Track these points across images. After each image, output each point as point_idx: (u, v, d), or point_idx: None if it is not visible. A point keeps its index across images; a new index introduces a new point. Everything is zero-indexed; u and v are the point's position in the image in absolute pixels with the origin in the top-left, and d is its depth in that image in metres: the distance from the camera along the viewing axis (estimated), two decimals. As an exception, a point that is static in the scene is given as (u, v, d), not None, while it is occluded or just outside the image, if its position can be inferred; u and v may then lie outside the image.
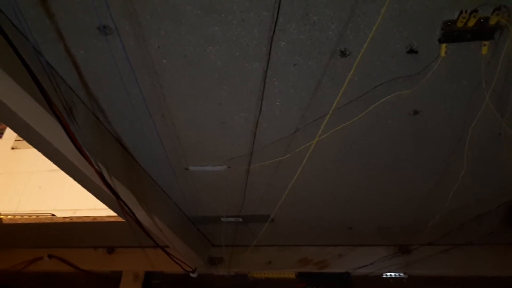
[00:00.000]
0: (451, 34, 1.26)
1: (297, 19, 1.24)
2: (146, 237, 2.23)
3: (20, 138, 3.79)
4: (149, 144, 1.93)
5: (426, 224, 2.38)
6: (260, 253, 3.32)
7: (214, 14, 1.23)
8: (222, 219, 2.77)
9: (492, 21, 1.20)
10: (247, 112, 1.67)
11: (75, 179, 2.14)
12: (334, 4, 1.18)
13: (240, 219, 2.74)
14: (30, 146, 1.81)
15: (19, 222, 3.31)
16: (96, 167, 1.58)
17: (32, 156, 4.05)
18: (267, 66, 1.38)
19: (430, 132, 1.76)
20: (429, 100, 1.58)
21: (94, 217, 3.14)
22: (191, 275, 3.24)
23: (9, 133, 4.40)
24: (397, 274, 3.06)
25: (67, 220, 3.24)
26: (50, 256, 3.74)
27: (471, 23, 1.21)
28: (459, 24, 1.22)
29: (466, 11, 1.18)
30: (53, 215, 3.40)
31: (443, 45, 1.30)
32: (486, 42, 1.28)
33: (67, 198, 3.61)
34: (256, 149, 1.88)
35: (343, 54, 1.36)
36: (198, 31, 1.30)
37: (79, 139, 1.44)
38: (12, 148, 4.26)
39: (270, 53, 1.32)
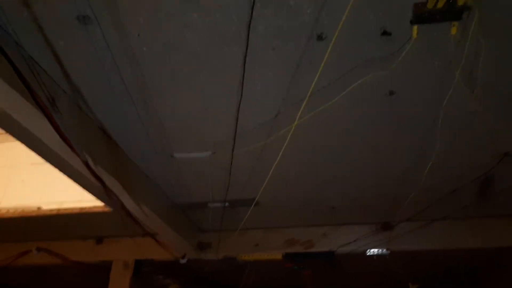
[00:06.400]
0: (422, 15, 1.31)
1: (274, 4, 1.27)
2: (134, 225, 2.25)
3: (1, 132, 3.73)
4: (133, 132, 1.95)
5: (406, 200, 2.47)
6: (248, 236, 3.38)
7: (192, 1, 1.25)
8: (209, 204, 2.81)
9: (460, 2, 1.26)
10: (228, 97, 1.70)
11: (60, 170, 2.14)
12: (309, -12, 1.22)
13: (227, 204, 2.78)
14: (11, 139, 1.79)
15: (5, 216, 3.29)
16: (82, 156, 1.60)
17: (14, 150, 3.99)
18: (246, 51, 1.41)
19: (406, 111, 1.82)
20: (404, 81, 1.63)
21: (81, 208, 3.13)
22: (181, 261, 3.28)
23: (-11, 127, 4.31)
24: (380, 250, 3.16)
25: (54, 212, 3.22)
26: (38, 249, 3.71)
27: (440, 4, 1.26)
28: (429, 6, 1.27)
29: (435, -7, 1.23)
30: (39, 208, 3.38)
31: (415, 27, 1.35)
32: (455, 23, 1.34)
33: (52, 192, 3.56)
34: (239, 134, 1.92)
35: (320, 37, 1.40)
36: (177, 18, 1.32)
37: (63, 129, 1.45)
38: (-7, 142, 4.18)
39: (248, 38, 1.35)
